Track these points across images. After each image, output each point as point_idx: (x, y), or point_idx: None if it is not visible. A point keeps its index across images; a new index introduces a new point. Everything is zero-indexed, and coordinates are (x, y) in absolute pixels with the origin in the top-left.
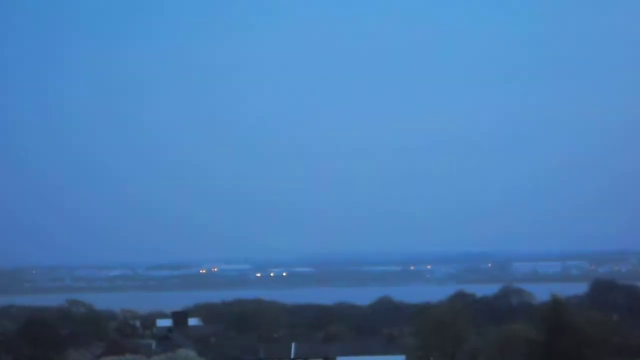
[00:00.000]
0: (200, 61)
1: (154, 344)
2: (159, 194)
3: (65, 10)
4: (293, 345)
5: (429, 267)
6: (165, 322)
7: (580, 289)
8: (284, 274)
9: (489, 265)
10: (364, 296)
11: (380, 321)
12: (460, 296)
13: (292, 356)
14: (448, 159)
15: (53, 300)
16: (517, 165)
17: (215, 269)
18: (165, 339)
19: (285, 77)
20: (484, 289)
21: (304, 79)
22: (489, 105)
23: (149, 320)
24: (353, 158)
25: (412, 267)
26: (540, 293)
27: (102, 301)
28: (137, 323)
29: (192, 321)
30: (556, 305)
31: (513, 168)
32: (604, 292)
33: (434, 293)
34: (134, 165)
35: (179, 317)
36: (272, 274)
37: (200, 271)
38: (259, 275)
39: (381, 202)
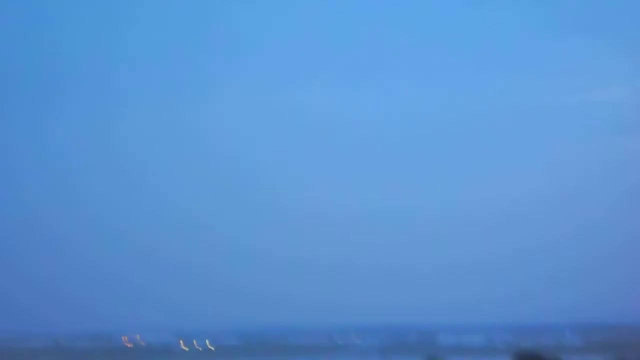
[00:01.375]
0: None
1: None
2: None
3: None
4: None
5: (354, 338)
6: None
7: None
8: (211, 348)
9: (414, 336)
10: None
11: None
12: None
13: None
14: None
15: None
16: (442, 233)
17: (138, 337)
18: None
19: None
20: None
21: None
22: None
23: None
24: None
25: (337, 340)
26: None
27: None
28: None
29: None
30: None
31: (437, 235)
32: None
33: None
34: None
35: None
36: (200, 349)
37: (125, 343)
38: (186, 349)
39: (307, 271)
